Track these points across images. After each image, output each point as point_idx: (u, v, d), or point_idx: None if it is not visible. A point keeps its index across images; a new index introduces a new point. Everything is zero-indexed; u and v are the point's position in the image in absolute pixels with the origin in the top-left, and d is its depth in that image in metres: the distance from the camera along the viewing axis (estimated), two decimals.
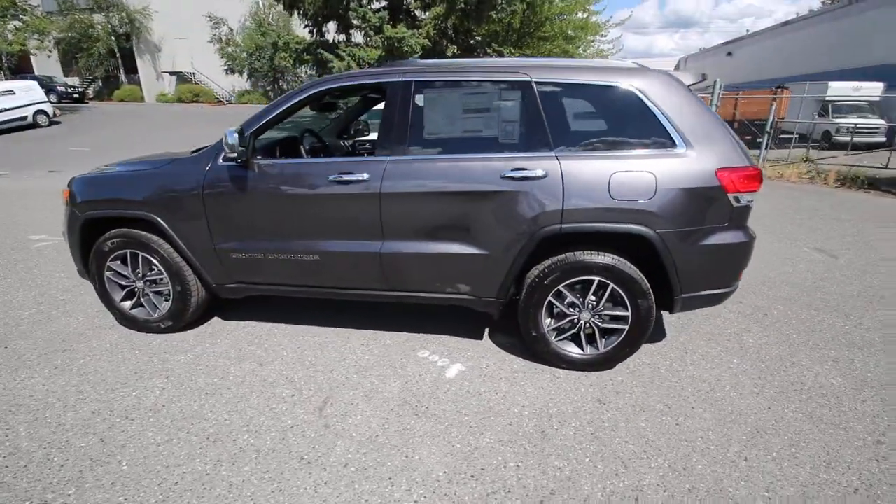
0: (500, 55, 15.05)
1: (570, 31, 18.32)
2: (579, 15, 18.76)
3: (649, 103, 2.37)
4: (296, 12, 14.80)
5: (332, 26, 15.22)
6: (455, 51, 14.98)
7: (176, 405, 2.35)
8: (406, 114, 2.51)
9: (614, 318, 2.55)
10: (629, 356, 2.66)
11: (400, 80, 2.54)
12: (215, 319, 3.31)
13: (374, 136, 4.48)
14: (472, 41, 16.18)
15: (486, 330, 3.17)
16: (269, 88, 33.04)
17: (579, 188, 2.34)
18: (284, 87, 33.77)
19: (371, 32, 13.16)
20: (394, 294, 2.74)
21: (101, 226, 2.94)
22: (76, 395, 2.42)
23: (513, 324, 3.15)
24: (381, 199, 2.50)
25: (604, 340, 2.60)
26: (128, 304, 3.06)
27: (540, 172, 2.37)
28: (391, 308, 3.40)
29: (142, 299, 3.02)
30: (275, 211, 2.64)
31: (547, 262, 2.50)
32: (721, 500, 1.82)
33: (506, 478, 1.91)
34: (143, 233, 2.84)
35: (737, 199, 2.35)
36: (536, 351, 2.66)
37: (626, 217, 2.34)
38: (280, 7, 15.20)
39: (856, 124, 13.22)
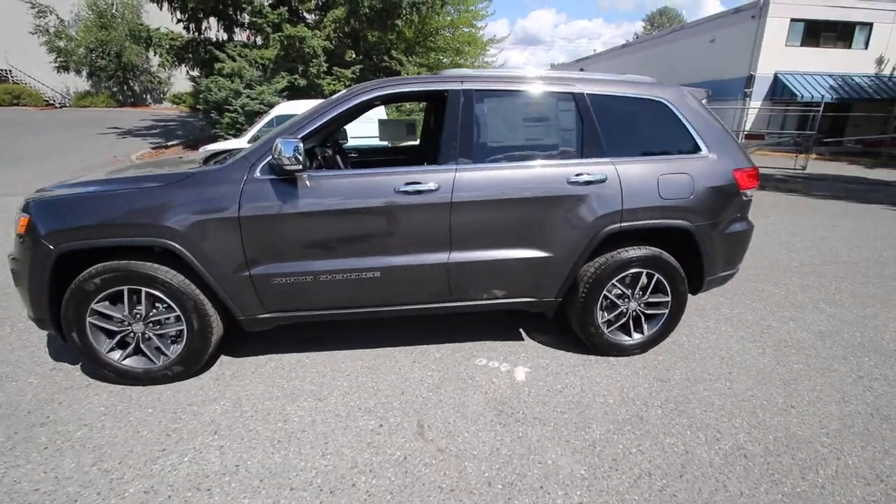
0: (400, 63, 15.14)
1: (459, 46, 19.20)
2: (465, 29, 19.78)
3: (678, 114, 2.71)
4: (165, 4, 13.02)
5: (213, 23, 13.74)
6: (353, 56, 14.64)
7: (253, 462, 1.99)
8: (470, 122, 2.49)
9: (655, 305, 2.85)
10: (666, 337, 2.99)
11: (460, 87, 2.50)
12: (224, 358, 2.84)
13: (353, 145, 4.28)
14: (366, 46, 15.99)
15: (521, 330, 3.26)
16: (116, 90, 28.37)
17: (635, 189, 2.58)
18: (136, 88, 29.37)
19: (268, 29, 12.14)
20: (455, 305, 2.68)
21: (76, 260, 2.34)
22: (105, 476, 1.90)
23: (544, 322, 3.30)
24: (451, 209, 2.44)
25: (647, 325, 2.88)
26: (119, 353, 2.48)
27: (601, 177, 2.54)
28: (403, 322, 3.29)
29: (142, 345, 2.47)
30: (331, 227, 2.39)
31: (601, 260, 2.69)
32: (796, 442, 2.18)
33: (638, 462, 2.03)
34: (148, 263, 2.34)
35: (745, 195, 2.81)
36: (593, 343, 2.84)
37: (673, 214, 2.64)
38: None
39: None
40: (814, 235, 6.31)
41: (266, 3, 12.10)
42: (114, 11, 24.82)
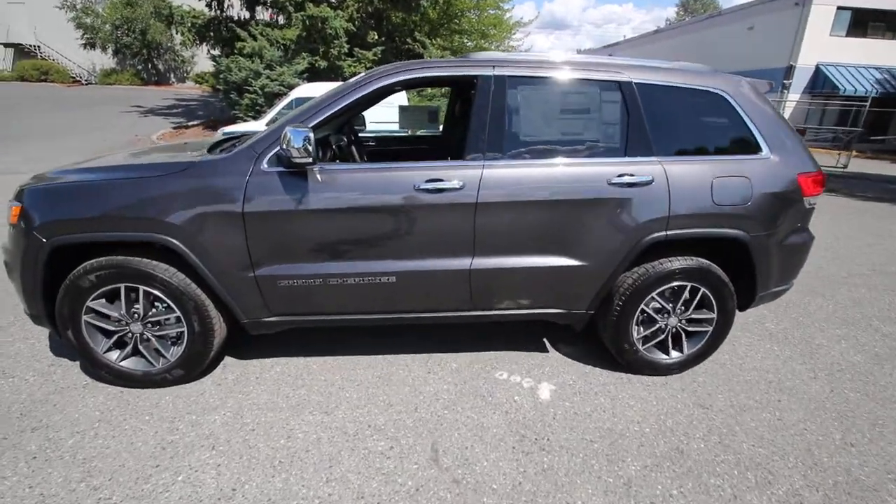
0: (423, 45, 14.73)
1: (484, 28, 18.59)
2: (491, 11, 19.13)
3: (737, 107, 2.39)
4: None
5: (236, 2, 13.53)
6: (375, 37, 14.29)
7: (251, 486, 1.82)
8: (501, 113, 2.22)
9: (698, 322, 2.57)
10: (707, 357, 2.71)
11: (492, 73, 2.23)
12: (228, 359, 2.68)
13: (370, 131, 4.05)
14: (389, 28, 15.59)
15: (545, 340, 3.02)
16: (140, 68, 28.57)
17: (685, 193, 2.29)
18: (160, 66, 29.54)
19: (290, 8, 11.86)
20: (476, 314, 2.45)
21: (72, 253, 2.17)
22: (92, 494, 1.75)
23: (571, 331, 3.05)
24: (476, 210, 2.19)
25: (687, 343, 2.61)
26: (116, 354, 2.32)
27: (646, 178, 2.26)
28: (417, 328, 3.07)
29: (140, 346, 2.31)
30: (343, 226, 2.17)
31: (640, 270, 2.41)
32: (860, 489, 1.91)
33: None
34: (146, 260, 2.16)
35: (808, 202, 2.48)
36: (627, 360, 2.58)
37: (727, 222, 2.34)
38: None
39: None
40: (860, 241, 5.86)
41: None
42: None
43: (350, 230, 2.19)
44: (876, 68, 19.97)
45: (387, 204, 2.16)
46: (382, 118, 8.03)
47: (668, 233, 2.31)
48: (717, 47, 24.37)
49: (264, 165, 2.12)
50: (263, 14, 14.19)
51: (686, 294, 2.48)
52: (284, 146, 1.99)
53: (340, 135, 3.04)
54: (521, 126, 2.32)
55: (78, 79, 26.37)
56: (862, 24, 20.13)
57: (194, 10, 13.29)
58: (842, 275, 4.56)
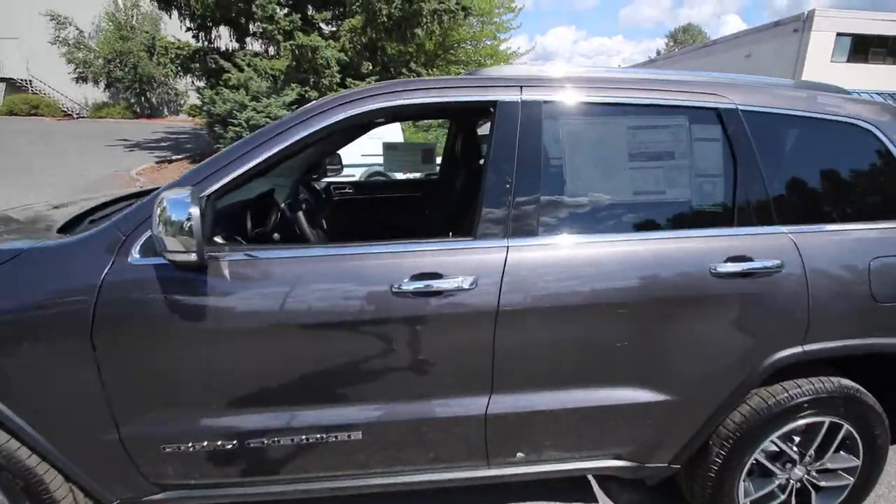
0: (419, 76, 14.23)
1: (480, 59, 18.25)
2: (487, 42, 18.84)
3: (889, 144, 1.55)
4: (175, 12, 12.36)
5: (224, 32, 13.05)
6: (369, 67, 13.78)
7: None
8: (535, 159, 1.37)
9: (833, 473, 1.66)
10: None
11: (518, 98, 1.39)
12: None
13: (347, 175, 3.22)
14: (385, 58, 15.14)
15: (591, 479, 2.08)
16: (133, 101, 28.22)
17: (830, 284, 1.43)
18: (154, 100, 29.26)
19: (279, 37, 11.30)
20: (495, 474, 1.53)
21: None
22: None
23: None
24: (496, 322, 1.31)
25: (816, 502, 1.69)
26: None
27: (772, 263, 1.39)
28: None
29: None
30: (272, 355, 1.29)
31: (756, 401, 1.52)
32: None
33: None
34: None
35: None
36: None
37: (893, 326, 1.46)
38: (146, 7, 12.56)
39: None
40: None
41: (278, 10, 11.32)
42: (133, 23, 24.70)
43: (284, 360, 1.30)
44: (878, 93, 19.63)
45: (345, 319, 1.27)
46: (371, 150, 7.20)
47: (807, 348, 1.43)
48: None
49: (134, 256, 1.25)
50: (254, 45, 13.73)
51: (821, 435, 1.58)
52: (156, 230, 1.11)
53: (307, 184, 2.18)
54: (567, 180, 1.44)
55: (69, 112, 25.95)
56: (862, 50, 19.93)
57: (179, 41, 12.79)
58: None
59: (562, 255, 1.36)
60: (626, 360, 1.41)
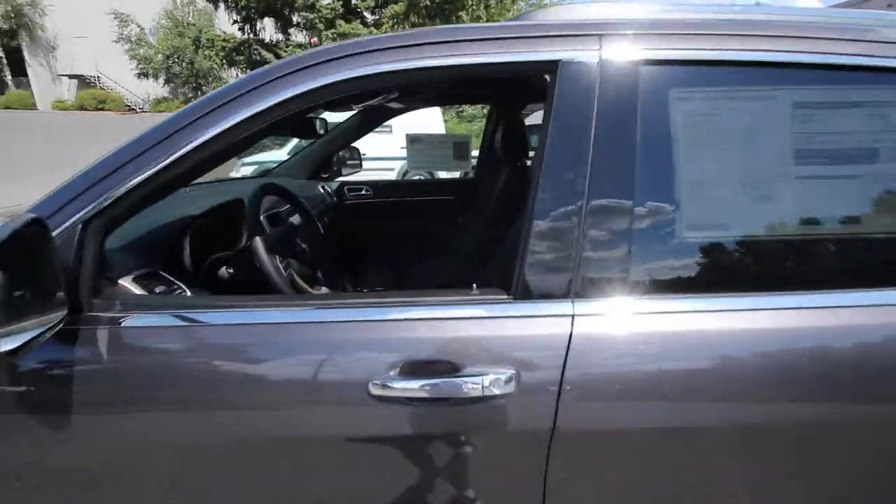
0: None
1: None
2: None
3: None
4: (222, 5, 12.45)
5: (269, 24, 13.03)
6: None
7: None
8: (628, 159, 0.79)
9: None
10: None
11: (595, 56, 0.80)
12: None
13: (387, 169, 2.71)
14: None
15: None
16: (190, 95, 29.40)
17: None
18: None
19: (320, 26, 11.10)
20: None
21: None
22: None
23: None
24: (549, 455, 0.75)
25: None
26: None
27: None
28: None
29: None
30: (185, 478, 0.80)
31: None
32: None
33: None
34: None
35: None
36: None
37: None
38: (201, 2, 12.74)
39: None
40: None
41: None
42: (189, 19, 25.56)
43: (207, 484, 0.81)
44: None
45: (304, 434, 0.76)
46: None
47: None
48: None
49: None
50: (297, 36, 13.61)
51: None
52: None
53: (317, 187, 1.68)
54: (684, 197, 0.83)
55: (133, 107, 27.38)
56: None
57: (225, 34, 12.92)
58: None
59: (679, 331, 0.78)
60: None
